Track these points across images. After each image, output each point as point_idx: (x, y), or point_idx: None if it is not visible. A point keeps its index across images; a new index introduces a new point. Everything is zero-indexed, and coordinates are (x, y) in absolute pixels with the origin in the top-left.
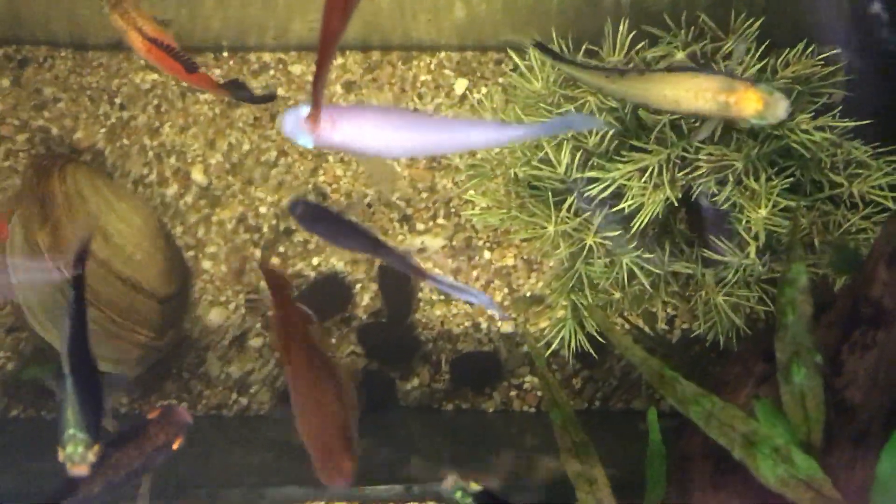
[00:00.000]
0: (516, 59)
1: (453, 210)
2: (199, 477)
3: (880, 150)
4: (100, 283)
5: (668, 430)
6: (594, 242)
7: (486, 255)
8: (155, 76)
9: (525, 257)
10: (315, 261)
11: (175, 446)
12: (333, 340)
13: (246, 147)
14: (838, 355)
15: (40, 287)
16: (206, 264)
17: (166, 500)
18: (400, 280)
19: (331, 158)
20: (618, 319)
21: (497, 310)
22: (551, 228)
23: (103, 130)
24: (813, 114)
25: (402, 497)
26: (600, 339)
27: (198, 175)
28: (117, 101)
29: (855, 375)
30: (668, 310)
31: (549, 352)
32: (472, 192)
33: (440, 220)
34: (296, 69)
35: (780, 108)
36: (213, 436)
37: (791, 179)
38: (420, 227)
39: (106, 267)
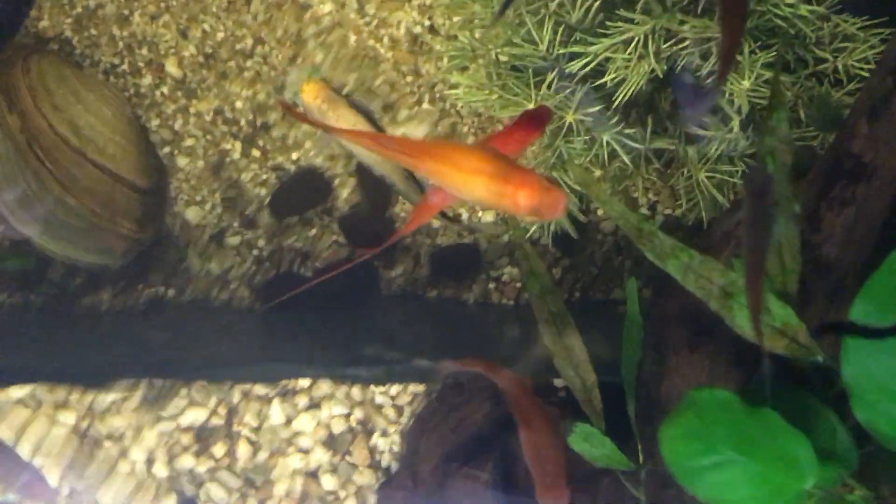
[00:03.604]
0: None
1: (438, 95)
2: (190, 358)
3: (868, 23)
4: (76, 169)
5: (646, 311)
6: (574, 120)
7: (471, 140)
8: None
9: None
10: (294, 155)
11: None
12: (314, 231)
13: (220, 35)
14: (817, 211)
15: (15, 181)
16: (183, 161)
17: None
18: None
19: (309, 44)
20: None
21: None
22: (530, 106)
23: (69, 21)
24: None
25: (385, 377)
26: (582, 217)
27: (172, 68)
28: None
29: (832, 231)
30: (650, 195)
31: (528, 235)
32: (455, 72)
33: (425, 105)
34: None
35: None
36: (201, 322)
37: (774, 54)
38: (404, 113)
39: (81, 154)
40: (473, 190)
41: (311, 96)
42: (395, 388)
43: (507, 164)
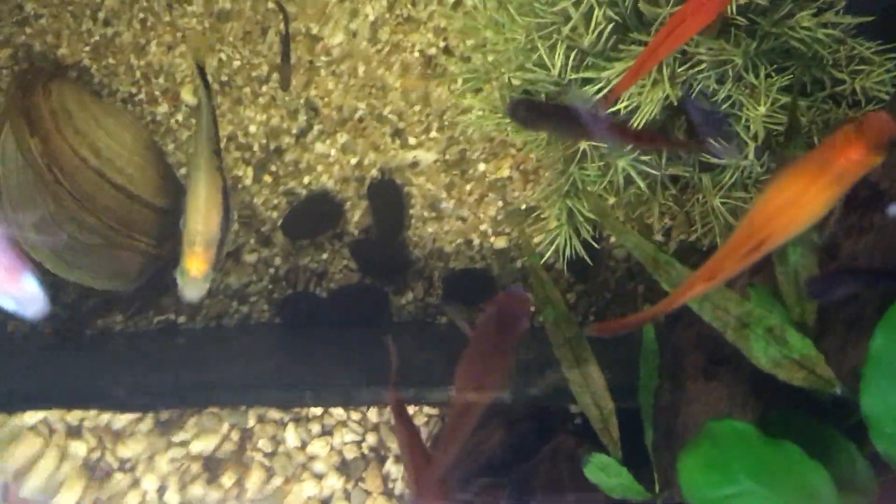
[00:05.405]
0: None
1: (447, 123)
2: (199, 383)
3: (883, 47)
4: (95, 189)
5: (662, 335)
6: (588, 146)
7: (481, 167)
8: None
9: (521, 168)
10: (306, 180)
11: None
12: (325, 255)
13: (237, 63)
14: (834, 239)
15: (33, 206)
16: None
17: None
18: (389, 197)
19: (322, 72)
20: None
21: None
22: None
23: (87, 49)
24: (815, 10)
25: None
26: (595, 244)
27: (187, 95)
28: (101, 15)
29: (851, 260)
30: (665, 220)
31: (542, 261)
32: (468, 95)
33: (433, 134)
34: None
35: None
36: (213, 347)
37: (791, 77)
38: (412, 141)
39: (99, 174)
40: (821, 199)
41: None
42: (410, 409)
43: (806, 159)
